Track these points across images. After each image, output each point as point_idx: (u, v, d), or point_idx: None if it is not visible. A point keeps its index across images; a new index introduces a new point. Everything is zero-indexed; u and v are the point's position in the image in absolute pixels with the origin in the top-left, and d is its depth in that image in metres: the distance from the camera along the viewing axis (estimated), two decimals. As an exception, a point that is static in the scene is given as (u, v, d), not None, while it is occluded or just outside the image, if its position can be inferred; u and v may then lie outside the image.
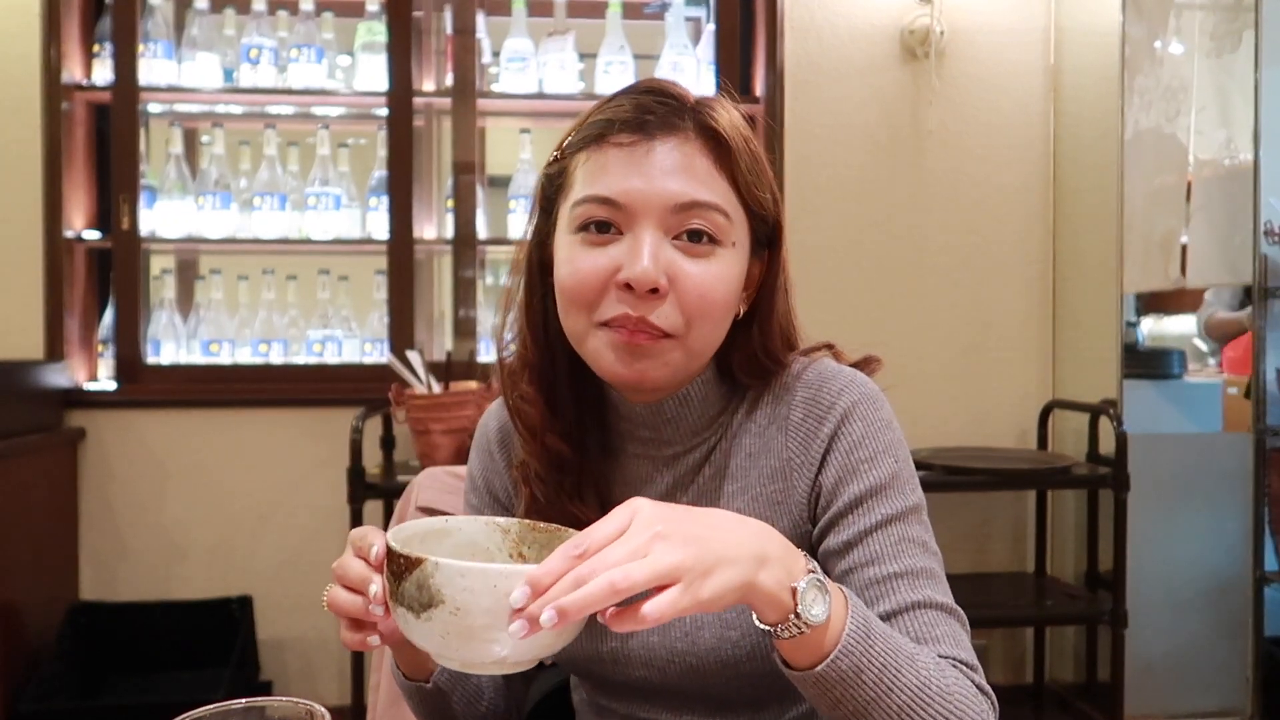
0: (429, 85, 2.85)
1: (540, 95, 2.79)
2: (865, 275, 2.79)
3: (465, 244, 2.74)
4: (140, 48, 2.68)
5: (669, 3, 2.85)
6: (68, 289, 2.64)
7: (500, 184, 2.94)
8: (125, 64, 2.66)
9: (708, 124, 0.83)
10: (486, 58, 2.86)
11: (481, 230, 2.78)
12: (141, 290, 2.72)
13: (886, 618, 0.80)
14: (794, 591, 0.67)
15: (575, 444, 0.91)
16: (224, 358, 2.77)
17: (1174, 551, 2.56)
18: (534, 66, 2.79)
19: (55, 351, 2.60)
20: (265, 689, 2.59)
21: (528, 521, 0.77)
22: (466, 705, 0.93)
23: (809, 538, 0.88)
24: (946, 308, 2.81)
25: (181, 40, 2.73)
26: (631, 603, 0.61)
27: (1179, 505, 2.57)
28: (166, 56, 2.71)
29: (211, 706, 0.64)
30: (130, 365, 2.69)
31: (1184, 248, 2.64)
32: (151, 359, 2.73)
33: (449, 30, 2.78)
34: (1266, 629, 2.56)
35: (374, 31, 2.76)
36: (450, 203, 2.76)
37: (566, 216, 0.85)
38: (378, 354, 2.80)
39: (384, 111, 2.73)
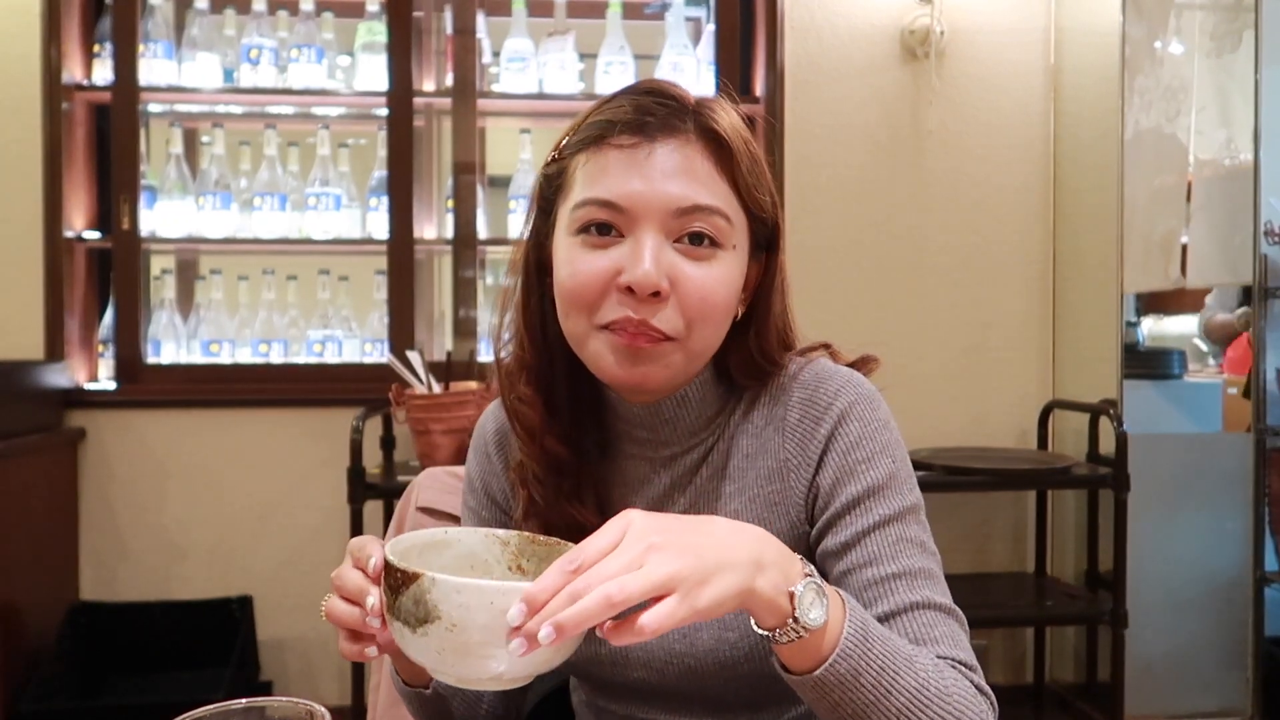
0: (429, 85, 2.85)
1: (540, 95, 2.79)
2: (865, 275, 2.79)
3: (465, 244, 2.74)
4: (140, 48, 2.68)
5: (669, 3, 2.85)
6: (68, 289, 2.64)
7: (500, 184, 2.94)
8: (125, 64, 2.66)
9: (709, 126, 0.83)
10: (487, 58, 2.86)
11: (481, 230, 2.78)
12: (141, 290, 2.72)
13: (885, 619, 0.79)
14: (791, 596, 0.67)
15: (573, 445, 0.90)
16: (224, 358, 2.77)
17: (1174, 551, 2.56)
18: (534, 66, 2.79)
19: (55, 351, 2.60)
20: (265, 689, 2.59)
21: (527, 534, 0.77)
22: (466, 710, 0.93)
23: (807, 538, 0.88)
24: (946, 308, 2.81)
25: (181, 40, 2.73)
26: (629, 614, 0.61)
27: (1179, 505, 2.57)
28: (167, 56, 2.71)
29: (211, 706, 0.64)
30: (130, 365, 2.69)
31: (1184, 248, 2.64)
32: (151, 359, 2.73)
33: (449, 30, 2.78)
34: (1266, 629, 2.55)
35: (374, 31, 2.76)
36: (450, 203, 2.77)
37: (566, 218, 0.85)
38: (378, 354, 2.80)
39: (384, 111, 2.74)
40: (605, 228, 0.82)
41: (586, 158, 0.84)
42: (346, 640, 0.73)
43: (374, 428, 2.58)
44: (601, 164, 0.82)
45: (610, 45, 2.76)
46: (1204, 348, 3.21)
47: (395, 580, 0.64)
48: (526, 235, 0.91)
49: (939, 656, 0.77)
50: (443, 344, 2.89)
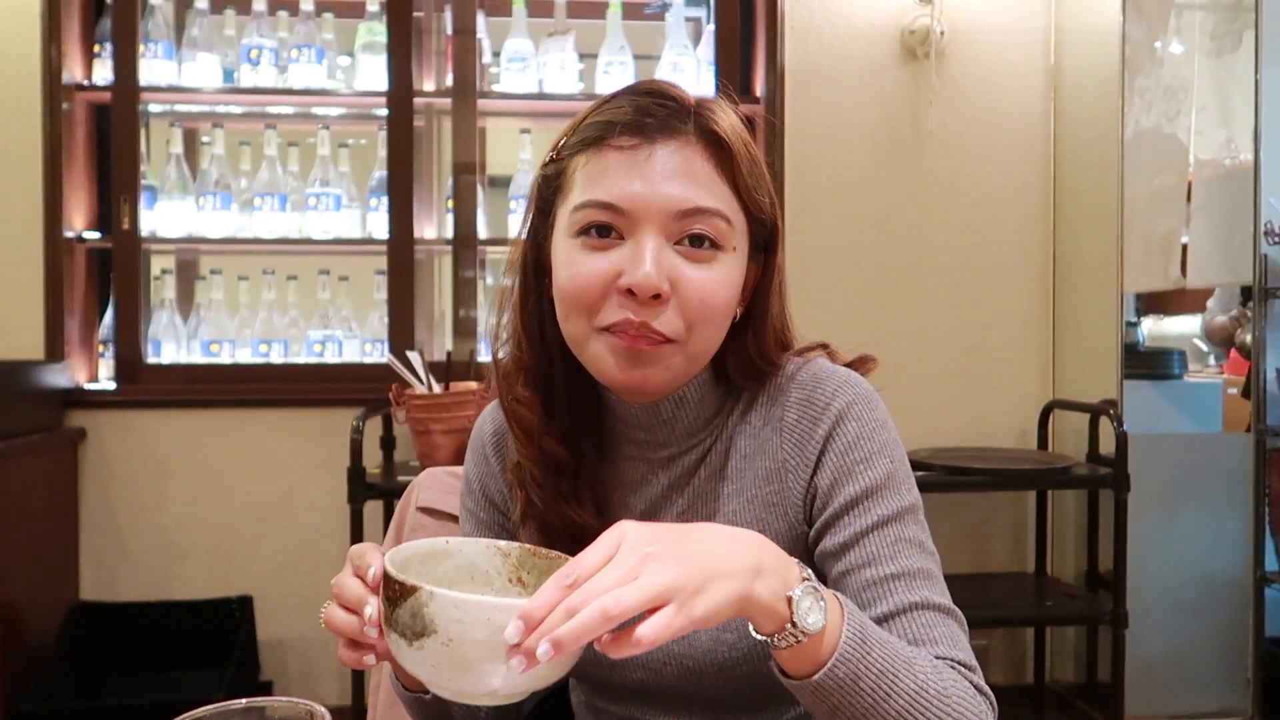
0: (429, 85, 2.85)
1: (540, 95, 2.79)
2: (865, 275, 2.79)
3: (465, 244, 2.74)
4: (140, 48, 2.68)
5: (669, 3, 2.85)
6: (68, 289, 2.64)
7: (500, 184, 2.94)
8: (125, 64, 2.66)
9: (709, 127, 0.83)
10: (487, 58, 2.86)
11: (482, 230, 2.78)
12: (142, 290, 2.72)
13: (884, 619, 0.79)
14: (789, 601, 0.67)
15: (571, 446, 0.90)
16: (224, 358, 2.77)
17: (1174, 552, 2.56)
18: (534, 67, 2.79)
19: (55, 351, 2.60)
20: (265, 689, 2.59)
21: (528, 547, 0.77)
22: (466, 714, 0.93)
23: (805, 539, 0.88)
24: (946, 308, 2.81)
25: (182, 40, 2.73)
26: (627, 626, 0.61)
27: (1179, 505, 2.57)
28: (167, 57, 2.71)
29: (211, 706, 0.64)
30: (130, 365, 2.69)
31: (1184, 248, 2.64)
32: (152, 359, 2.73)
33: (449, 30, 2.78)
34: (1266, 629, 2.55)
35: (374, 32, 2.76)
36: (450, 203, 2.77)
37: (566, 220, 0.84)
38: (378, 354, 2.80)
39: (384, 111, 2.74)
40: (605, 230, 0.82)
41: (586, 159, 0.83)
42: (345, 647, 0.73)
43: (374, 428, 2.58)
44: (601, 165, 0.82)
45: (610, 45, 2.76)
46: (1204, 348, 3.21)
47: (393, 592, 0.64)
48: (524, 235, 0.91)
49: (938, 657, 0.77)
50: (443, 344, 2.89)
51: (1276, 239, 2.52)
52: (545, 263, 0.88)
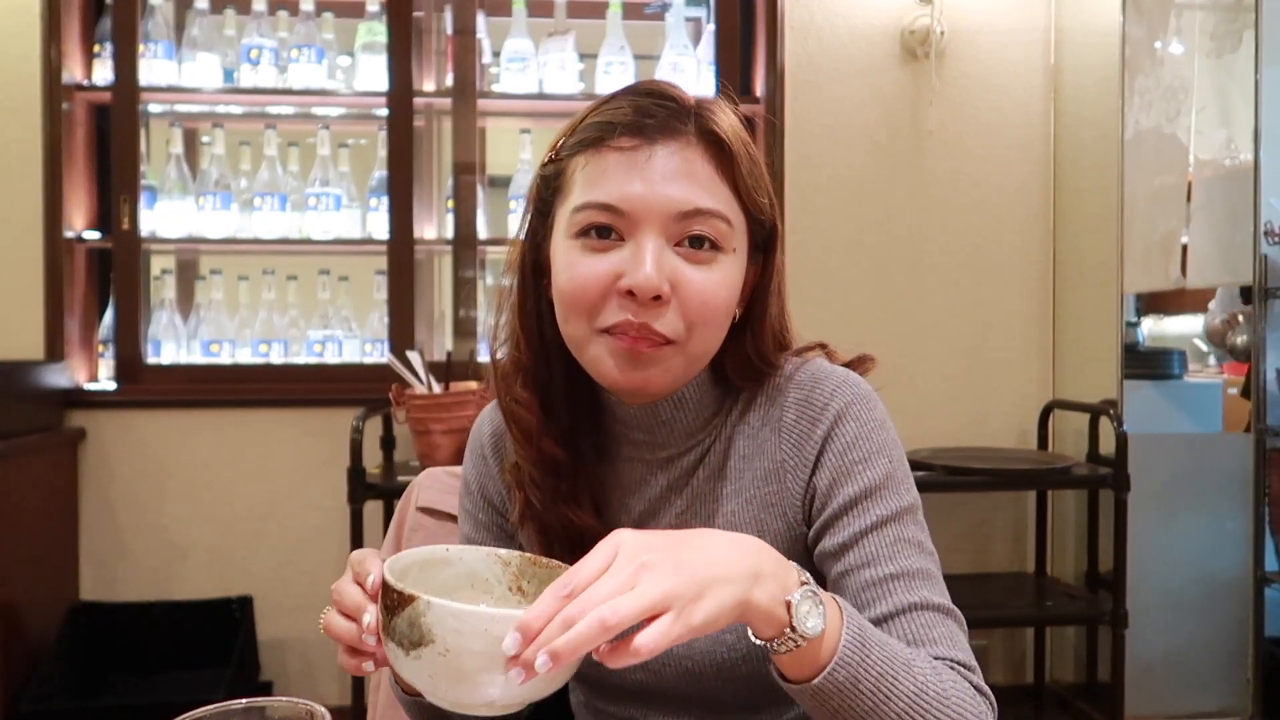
0: (429, 85, 2.85)
1: (540, 95, 2.79)
2: (865, 275, 2.79)
3: (465, 244, 2.74)
4: (140, 48, 2.68)
5: (669, 3, 2.85)
6: (68, 289, 2.64)
7: (500, 184, 2.94)
8: (125, 64, 2.66)
9: (709, 128, 0.83)
10: (487, 58, 2.86)
11: (482, 230, 2.78)
12: (142, 290, 2.72)
13: (883, 620, 0.79)
14: (788, 605, 0.67)
15: (570, 447, 0.90)
16: (224, 358, 2.77)
17: (1174, 552, 2.56)
18: (534, 67, 2.79)
19: (55, 351, 2.60)
20: (265, 689, 2.59)
21: (529, 556, 0.76)
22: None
23: (804, 539, 0.88)
24: (946, 308, 2.81)
25: (182, 40, 2.73)
26: (625, 636, 0.60)
27: (1179, 505, 2.57)
28: (167, 57, 2.71)
29: (211, 706, 0.64)
30: (130, 365, 2.69)
31: (1184, 248, 2.64)
32: (152, 359, 2.73)
33: (449, 30, 2.78)
34: (1266, 629, 2.55)
35: (374, 32, 2.76)
36: (450, 203, 2.77)
37: (565, 221, 0.84)
38: (378, 354, 2.80)
39: (384, 111, 2.74)
40: (605, 231, 0.82)
41: (585, 160, 0.83)
42: (345, 654, 0.73)
43: (374, 428, 2.58)
44: (601, 166, 0.82)
45: (610, 45, 2.76)
46: (1204, 348, 3.21)
47: (392, 601, 0.64)
48: (523, 236, 0.91)
49: (937, 657, 0.77)
50: (443, 344, 2.89)
51: (1276, 239, 2.52)
52: (544, 263, 0.88)
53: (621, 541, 0.64)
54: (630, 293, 0.80)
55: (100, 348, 2.75)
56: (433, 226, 2.91)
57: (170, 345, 2.75)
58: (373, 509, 2.43)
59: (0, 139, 2.59)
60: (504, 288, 0.92)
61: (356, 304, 2.88)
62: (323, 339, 2.80)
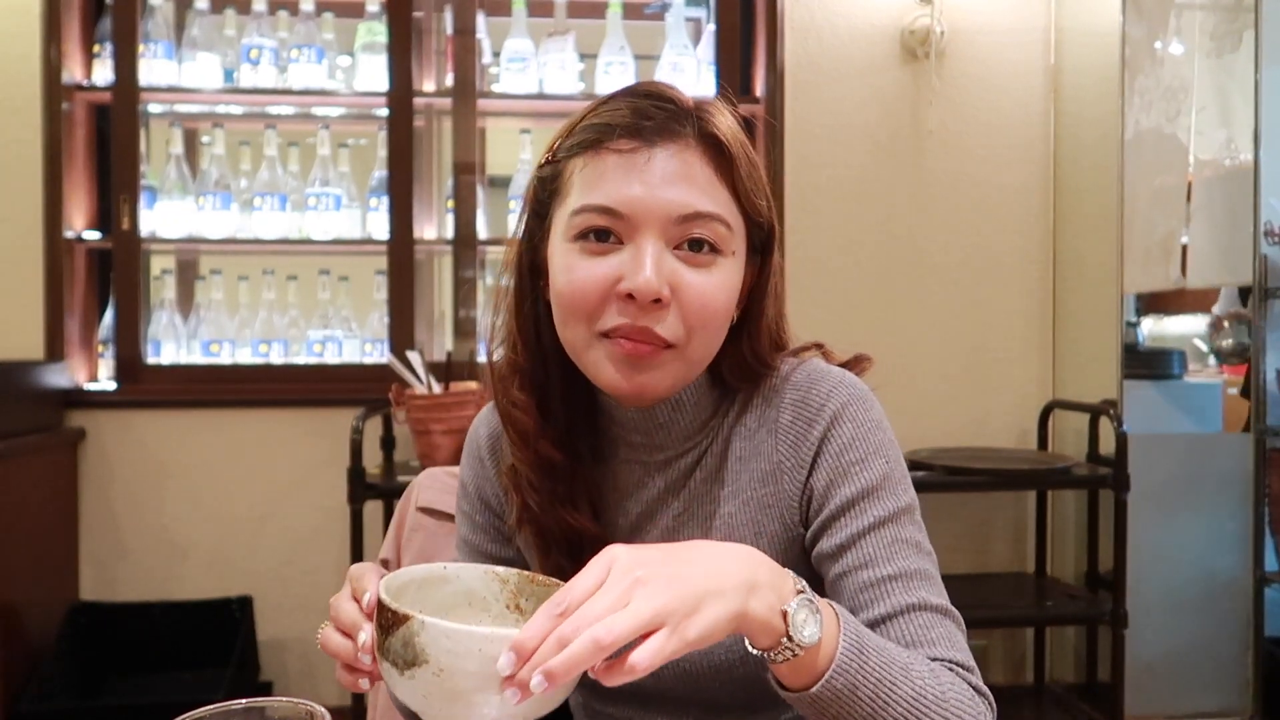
0: (429, 85, 2.85)
1: (540, 95, 2.79)
2: (865, 275, 2.79)
3: (465, 244, 2.74)
4: (140, 48, 2.68)
5: (669, 3, 2.85)
6: (68, 289, 2.64)
7: (500, 184, 2.94)
8: (125, 64, 2.66)
9: (708, 131, 0.82)
10: (487, 58, 2.86)
11: (482, 230, 2.78)
12: (141, 290, 2.72)
13: (881, 621, 0.79)
14: (784, 615, 0.67)
15: (567, 450, 0.90)
16: (224, 358, 2.77)
17: (1174, 552, 2.56)
18: (534, 67, 2.79)
19: (55, 351, 2.60)
20: (265, 689, 2.59)
21: (527, 574, 0.76)
22: None
23: (801, 541, 0.88)
24: (946, 308, 2.81)
25: (182, 40, 2.73)
26: (621, 653, 0.60)
27: (1179, 505, 2.57)
28: (167, 57, 2.71)
29: (211, 707, 0.64)
30: (130, 365, 2.69)
31: (1184, 248, 2.64)
32: (151, 359, 2.73)
33: (449, 30, 2.78)
34: (1266, 629, 2.55)
35: (374, 32, 2.76)
36: (450, 203, 2.77)
37: (563, 223, 0.84)
38: (378, 354, 2.81)
39: (384, 112, 2.74)
40: (604, 234, 0.81)
41: (584, 162, 0.83)
42: (342, 670, 0.73)
43: (374, 428, 2.58)
44: (599, 169, 0.81)
45: (610, 45, 2.76)
46: (1204, 348, 3.20)
47: (386, 620, 0.63)
48: (519, 236, 0.90)
49: (935, 658, 0.77)
50: (443, 344, 2.89)
51: (1276, 239, 2.53)
52: (541, 265, 0.88)
53: (615, 557, 0.64)
54: (630, 296, 0.79)
55: (100, 348, 2.75)
56: (433, 226, 2.91)
57: (170, 345, 2.75)
58: (373, 509, 2.43)
59: (0, 139, 2.59)
60: (500, 287, 0.91)
61: (356, 304, 2.88)
62: (323, 339, 2.80)
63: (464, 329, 2.77)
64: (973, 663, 0.78)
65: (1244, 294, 2.72)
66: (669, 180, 0.80)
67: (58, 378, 2.57)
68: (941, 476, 2.41)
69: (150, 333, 2.75)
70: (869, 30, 2.76)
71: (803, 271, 2.72)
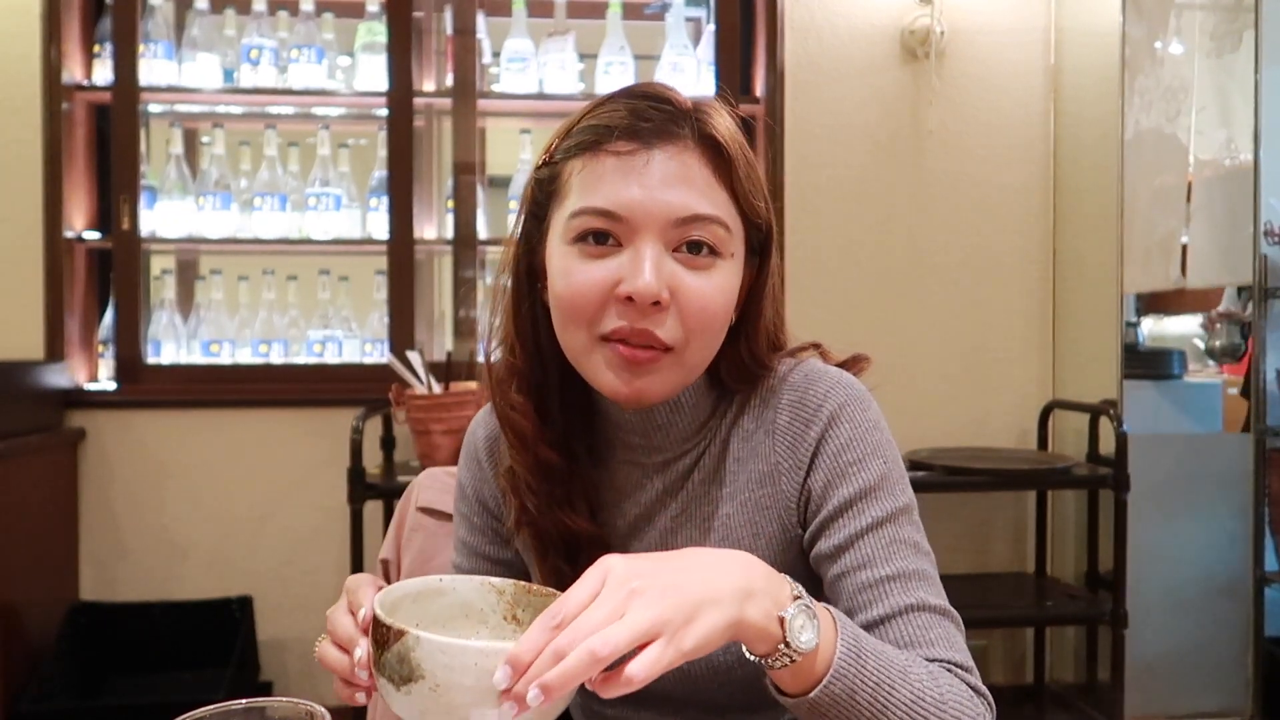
0: (429, 85, 2.85)
1: (540, 95, 2.79)
2: (865, 275, 2.79)
3: (465, 244, 2.74)
4: (140, 48, 2.68)
5: (669, 3, 2.85)
6: (68, 289, 2.64)
7: (500, 184, 2.94)
8: (125, 64, 2.66)
9: (707, 132, 0.82)
10: (487, 58, 2.86)
11: (482, 230, 2.78)
12: (141, 290, 2.72)
13: (880, 621, 0.79)
14: (782, 621, 0.66)
15: (565, 452, 0.90)
16: (224, 358, 2.77)
17: (1174, 552, 2.55)
18: (534, 67, 2.79)
19: (55, 352, 2.60)
20: (265, 689, 2.59)
21: (523, 584, 0.75)
22: None
23: (799, 542, 0.88)
24: (946, 308, 2.81)
25: (182, 40, 2.73)
26: (618, 664, 0.60)
27: (1179, 505, 2.57)
28: (167, 57, 2.71)
29: (212, 707, 0.64)
30: (130, 365, 2.69)
31: (1184, 248, 2.64)
32: (151, 359, 2.73)
33: (449, 30, 2.78)
34: (1266, 629, 2.55)
35: (374, 32, 2.76)
36: (450, 203, 2.77)
37: (561, 226, 0.83)
38: (378, 354, 2.81)
39: (384, 112, 2.74)
40: (603, 236, 0.81)
41: (582, 164, 0.82)
42: (340, 684, 0.72)
43: (374, 428, 2.58)
44: (598, 171, 0.81)
45: (610, 45, 2.76)
46: (1202, 347, 3.20)
47: (382, 635, 0.63)
48: (517, 238, 0.90)
49: (934, 659, 0.77)
50: (443, 344, 2.89)
51: (1276, 239, 2.52)
52: (538, 267, 0.87)
53: (610, 567, 0.63)
54: (629, 299, 0.79)
55: (100, 348, 2.75)
56: (433, 226, 2.91)
57: (170, 345, 2.75)
58: (373, 509, 2.43)
59: (0, 139, 2.59)
60: (498, 287, 0.91)
61: (356, 304, 2.88)
62: (323, 339, 2.80)
63: (464, 329, 2.77)
64: (971, 663, 0.78)
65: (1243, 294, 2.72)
66: (668, 182, 0.80)
67: (58, 378, 2.57)
68: (941, 476, 2.41)
69: (150, 333, 2.75)
70: (869, 30, 2.76)
71: (803, 271, 2.72)
